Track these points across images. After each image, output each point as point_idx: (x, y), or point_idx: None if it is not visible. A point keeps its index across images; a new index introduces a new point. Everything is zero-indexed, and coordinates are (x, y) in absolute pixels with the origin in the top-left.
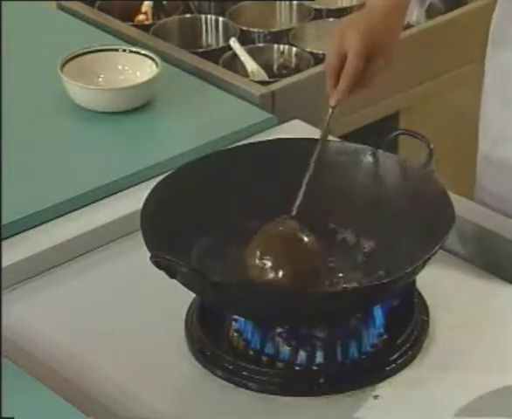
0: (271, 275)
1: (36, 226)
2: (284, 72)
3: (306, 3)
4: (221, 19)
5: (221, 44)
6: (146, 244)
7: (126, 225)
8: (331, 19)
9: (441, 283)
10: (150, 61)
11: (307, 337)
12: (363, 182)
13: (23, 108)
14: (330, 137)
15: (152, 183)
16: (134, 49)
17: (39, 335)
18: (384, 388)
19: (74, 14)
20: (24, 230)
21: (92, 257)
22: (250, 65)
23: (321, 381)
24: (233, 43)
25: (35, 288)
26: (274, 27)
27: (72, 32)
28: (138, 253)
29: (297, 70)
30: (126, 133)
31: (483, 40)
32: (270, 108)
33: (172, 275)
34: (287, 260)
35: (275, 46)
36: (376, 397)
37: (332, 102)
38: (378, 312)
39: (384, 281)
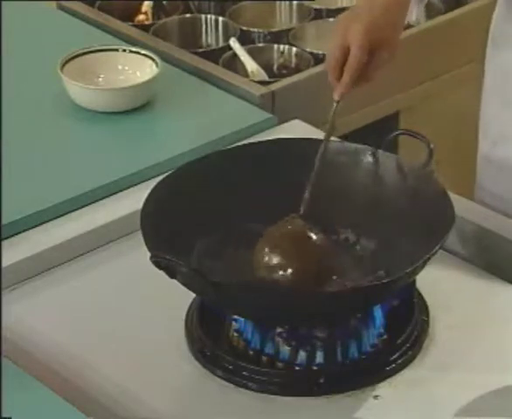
0: (280, 273)
1: (36, 226)
2: (284, 72)
3: (306, 3)
4: (221, 19)
5: (221, 44)
6: (146, 244)
7: (126, 225)
8: (331, 19)
9: (441, 283)
10: (150, 61)
11: (307, 337)
12: (363, 182)
13: (23, 108)
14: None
15: (152, 183)
16: (134, 49)
17: (39, 335)
18: (384, 388)
19: (74, 14)
20: (24, 230)
21: (92, 257)
22: (250, 65)
23: (321, 381)
24: (233, 43)
25: (35, 288)
26: (274, 27)
27: (72, 32)
28: (138, 253)
29: (297, 70)
30: (126, 133)
31: (483, 40)
32: (270, 108)
33: (172, 275)
34: (296, 258)
35: (275, 46)
36: (376, 397)
37: (336, 96)
38: (378, 312)
39: (383, 281)
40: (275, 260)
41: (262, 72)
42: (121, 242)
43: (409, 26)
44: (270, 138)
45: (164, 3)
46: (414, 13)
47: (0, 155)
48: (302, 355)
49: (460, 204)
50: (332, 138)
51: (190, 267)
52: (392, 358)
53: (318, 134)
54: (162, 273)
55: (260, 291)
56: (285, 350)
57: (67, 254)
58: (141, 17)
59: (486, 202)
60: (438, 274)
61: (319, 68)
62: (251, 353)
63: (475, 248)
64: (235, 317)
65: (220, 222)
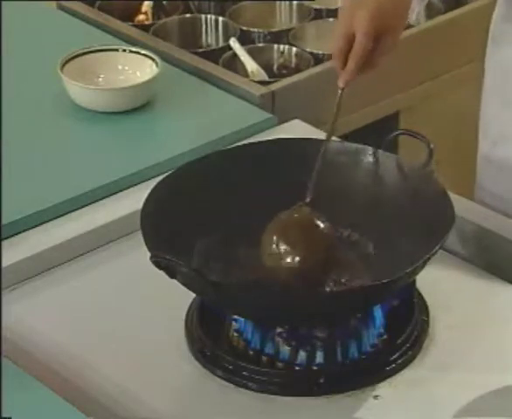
0: (288, 260)
1: (36, 226)
2: (284, 72)
3: (306, 3)
4: (221, 19)
5: (221, 44)
6: (146, 244)
7: (126, 225)
8: (331, 19)
9: (441, 283)
10: (150, 61)
11: (307, 337)
12: (363, 181)
13: (23, 108)
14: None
15: (152, 183)
16: (134, 49)
17: (39, 335)
18: (384, 388)
19: (74, 14)
20: (24, 230)
21: (92, 257)
22: (250, 65)
23: (321, 381)
24: (233, 43)
25: (35, 288)
26: (274, 27)
27: (72, 32)
28: (138, 253)
29: (297, 70)
30: (126, 133)
31: (483, 40)
32: (270, 108)
33: (172, 275)
34: (303, 246)
35: (275, 46)
36: (376, 397)
37: (341, 83)
38: (378, 312)
39: (383, 281)
40: (283, 248)
41: (262, 72)
42: (121, 242)
43: (409, 26)
44: (270, 138)
45: (164, 3)
46: (415, 13)
47: (0, 155)
48: (302, 355)
49: (460, 204)
50: (332, 138)
51: (190, 267)
52: (392, 358)
53: (318, 134)
54: (162, 273)
55: (260, 291)
56: (285, 350)
57: (67, 254)
58: (141, 17)
59: (486, 202)
60: (438, 274)
61: (319, 68)
62: (251, 353)
63: (475, 248)
64: (235, 317)
65: (220, 222)
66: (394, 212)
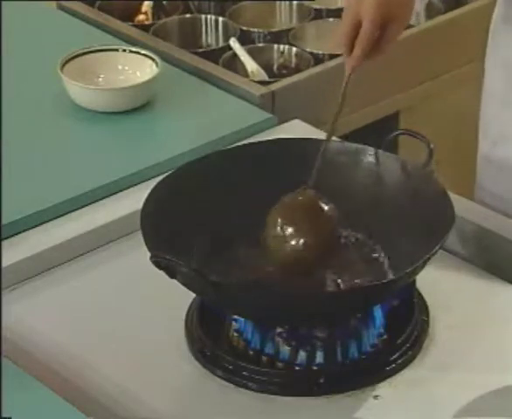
0: (292, 242)
1: (36, 226)
2: (284, 72)
3: (306, 3)
4: (221, 19)
5: (221, 44)
6: (146, 244)
7: (126, 225)
8: (331, 19)
9: (441, 283)
10: (150, 61)
11: (307, 337)
12: (364, 181)
13: (23, 108)
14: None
15: (152, 183)
16: (134, 49)
17: (39, 335)
18: (384, 388)
19: (74, 14)
20: (24, 230)
21: (92, 257)
22: (250, 65)
23: (321, 381)
24: (233, 43)
25: (35, 288)
26: (274, 27)
27: (72, 32)
28: (138, 253)
29: (297, 70)
30: (126, 133)
31: (483, 40)
32: (270, 108)
33: (172, 275)
34: (308, 228)
35: (275, 46)
36: (376, 397)
37: (348, 69)
38: (378, 312)
39: (383, 281)
40: (288, 231)
41: (262, 72)
42: (121, 242)
43: (409, 26)
44: (270, 138)
45: (164, 3)
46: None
47: (0, 155)
48: (302, 355)
49: (460, 204)
50: (332, 138)
51: (190, 267)
52: (392, 358)
53: (318, 134)
54: (162, 273)
55: (260, 291)
56: (285, 350)
57: (67, 254)
58: (141, 17)
59: (486, 202)
60: (438, 274)
61: (319, 68)
62: (251, 353)
63: (475, 248)
64: (235, 317)
65: (220, 222)
66: (394, 212)
